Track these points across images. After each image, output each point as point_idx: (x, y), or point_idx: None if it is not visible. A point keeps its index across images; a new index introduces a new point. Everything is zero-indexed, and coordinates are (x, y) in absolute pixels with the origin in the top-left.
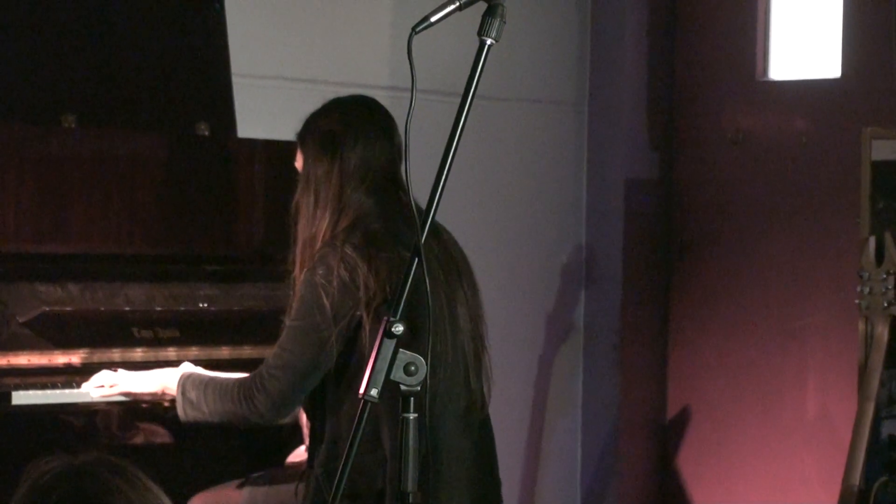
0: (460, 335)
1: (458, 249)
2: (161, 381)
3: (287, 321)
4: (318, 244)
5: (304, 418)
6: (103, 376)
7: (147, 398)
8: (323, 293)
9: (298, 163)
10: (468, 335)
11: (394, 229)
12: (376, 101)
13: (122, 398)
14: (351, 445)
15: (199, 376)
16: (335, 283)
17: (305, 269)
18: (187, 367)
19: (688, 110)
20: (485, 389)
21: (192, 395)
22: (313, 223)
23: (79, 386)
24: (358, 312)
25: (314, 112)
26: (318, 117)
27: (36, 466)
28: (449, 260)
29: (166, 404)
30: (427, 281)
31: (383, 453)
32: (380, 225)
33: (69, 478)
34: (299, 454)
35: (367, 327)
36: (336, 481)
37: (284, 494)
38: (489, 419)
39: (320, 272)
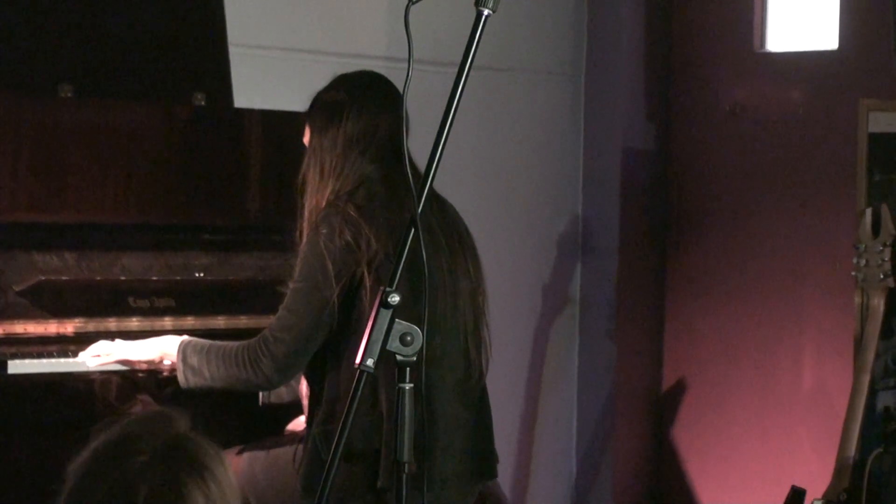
0: (460, 305)
1: (462, 223)
2: (160, 349)
3: (290, 283)
4: (325, 202)
5: (303, 388)
6: (100, 346)
7: (144, 366)
8: (326, 253)
9: (306, 138)
10: (468, 306)
11: (397, 195)
12: (382, 76)
13: (120, 367)
14: (347, 413)
15: (200, 342)
16: (337, 243)
17: (309, 231)
18: (185, 336)
19: (685, 82)
20: (483, 361)
21: (194, 360)
22: (318, 191)
23: (75, 355)
24: (359, 270)
25: (321, 89)
26: (323, 92)
27: (120, 428)
28: (452, 232)
29: (165, 373)
30: (423, 249)
31: (380, 414)
32: (383, 189)
33: (153, 455)
34: (299, 423)
35: (369, 286)
36: (334, 444)
37: (283, 457)
38: (486, 391)
39: (324, 232)
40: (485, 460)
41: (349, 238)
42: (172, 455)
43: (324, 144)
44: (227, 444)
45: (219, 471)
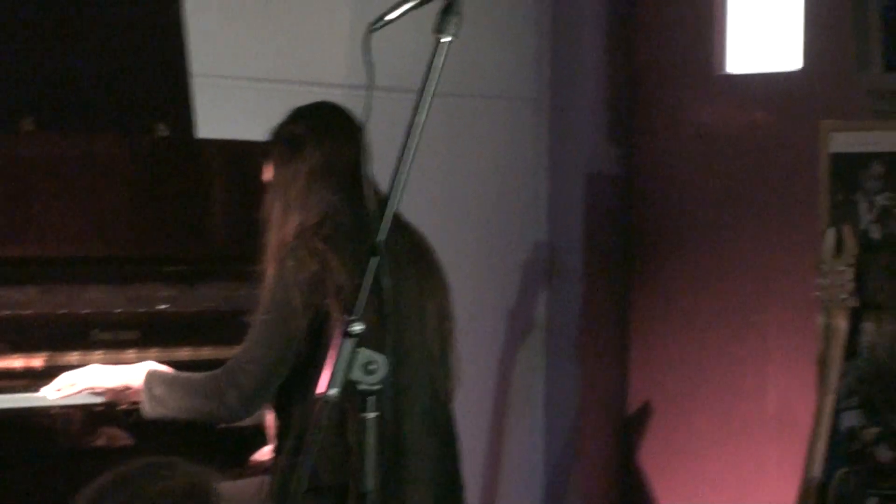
0: (428, 333)
1: (431, 250)
2: (123, 377)
3: (256, 315)
4: (291, 234)
5: (269, 419)
6: (63, 378)
7: (108, 396)
8: (292, 286)
9: (267, 174)
10: (436, 333)
11: (363, 223)
12: (339, 106)
13: (83, 399)
14: (311, 444)
15: (165, 372)
16: (304, 276)
17: (275, 263)
18: (151, 365)
19: (647, 105)
20: (450, 388)
21: (158, 391)
22: (284, 225)
23: (39, 390)
24: (326, 302)
25: (278, 123)
26: (282, 127)
27: (135, 477)
28: (420, 259)
29: (124, 406)
30: (387, 279)
31: (348, 446)
32: (348, 219)
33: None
34: (264, 454)
35: (336, 318)
36: (297, 476)
37: (248, 488)
38: (453, 418)
39: (290, 264)
40: (452, 490)
41: (316, 270)
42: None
43: (286, 179)
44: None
45: None
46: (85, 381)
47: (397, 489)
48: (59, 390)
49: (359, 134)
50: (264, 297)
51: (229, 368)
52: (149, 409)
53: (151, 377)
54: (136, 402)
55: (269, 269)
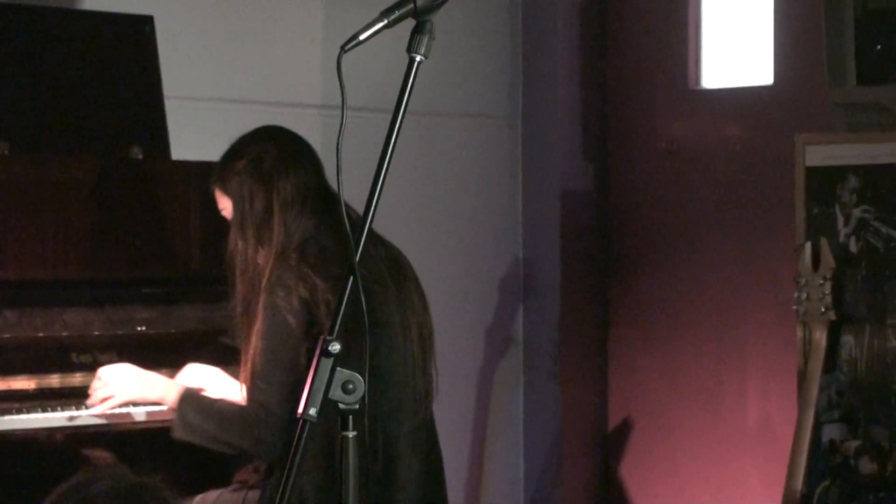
0: (412, 348)
1: (406, 262)
2: (159, 391)
3: (258, 355)
4: (272, 262)
5: None
6: (102, 382)
7: (146, 405)
8: (286, 315)
9: (226, 210)
10: (419, 351)
11: (342, 243)
12: (282, 127)
13: (122, 409)
14: (291, 464)
15: (199, 399)
16: (296, 303)
17: (264, 293)
18: (186, 377)
19: (621, 121)
20: (430, 404)
21: (191, 417)
22: (263, 256)
23: (18, 412)
24: (319, 325)
25: (226, 157)
26: (233, 160)
27: (84, 478)
28: (398, 273)
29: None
30: (363, 299)
31: (334, 469)
32: (330, 240)
33: (118, 496)
34: (248, 471)
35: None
36: (279, 497)
37: (228, 501)
38: (436, 435)
39: (280, 294)
40: None
41: (306, 296)
42: (132, 497)
43: (258, 212)
44: (178, 487)
45: None
46: (124, 394)
47: None
48: (103, 400)
49: (313, 151)
50: (262, 334)
51: (256, 415)
52: (180, 433)
53: (185, 401)
54: (165, 421)
55: (243, 317)
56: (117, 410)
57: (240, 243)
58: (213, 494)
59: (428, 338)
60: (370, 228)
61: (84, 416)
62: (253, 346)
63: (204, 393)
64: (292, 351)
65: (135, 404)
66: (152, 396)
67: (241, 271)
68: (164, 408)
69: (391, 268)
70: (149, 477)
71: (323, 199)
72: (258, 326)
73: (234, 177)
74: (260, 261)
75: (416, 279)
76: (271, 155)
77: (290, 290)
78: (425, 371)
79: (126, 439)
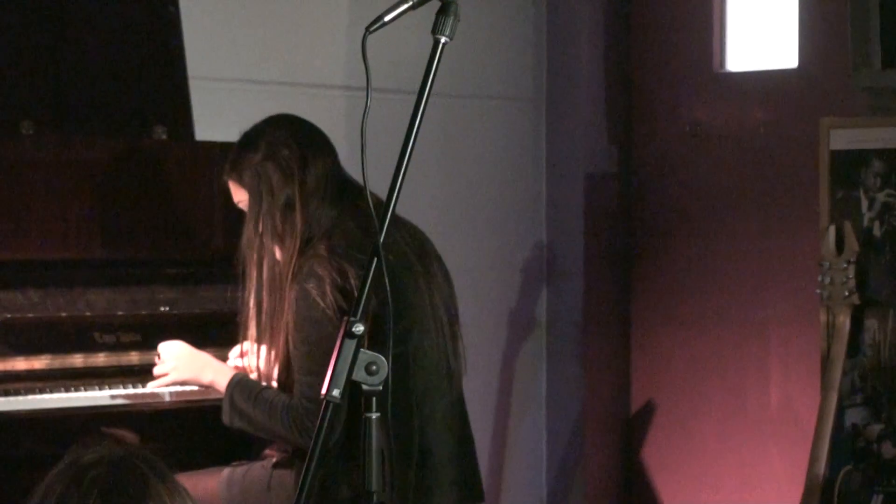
0: (441, 328)
1: (429, 244)
2: (212, 375)
3: (298, 348)
4: (298, 254)
5: None
6: (162, 358)
7: (196, 387)
8: (322, 305)
9: (242, 202)
10: (447, 327)
11: (370, 230)
12: (293, 114)
13: (177, 387)
14: (315, 445)
15: (248, 385)
16: (329, 292)
17: (294, 286)
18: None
19: (645, 104)
20: (460, 382)
21: (242, 405)
22: (287, 249)
23: (41, 392)
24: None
25: (240, 147)
26: (248, 151)
27: (76, 450)
28: (422, 251)
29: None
30: (389, 283)
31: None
32: (355, 226)
33: (107, 464)
34: (276, 446)
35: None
36: (301, 480)
37: (259, 481)
38: (467, 416)
39: (312, 284)
40: (474, 485)
41: (339, 284)
42: (123, 467)
43: (277, 205)
44: (201, 465)
45: (171, 483)
46: (177, 373)
47: (427, 492)
48: (160, 377)
49: (327, 138)
50: (299, 327)
51: (304, 408)
52: (229, 420)
53: (235, 387)
54: (191, 402)
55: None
56: (140, 390)
57: (256, 236)
58: (241, 469)
59: (455, 317)
60: (395, 215)
61: (120, 395)
62: (285, 341)
63: (253, 377)
64: (330, 339)
65: (184, 384)
66: (204, 380)
67: (256, 264)
68: (189, 388)
69: (415, 249)
70: (140, 448)
71: (340, 186)
72: (289, 320)
73: (250, 168)
74: (279, 254)
75: (438, 257)
76: (288, 145)
77: (323, 279)
78: (456, 351)
79: (152, 418)
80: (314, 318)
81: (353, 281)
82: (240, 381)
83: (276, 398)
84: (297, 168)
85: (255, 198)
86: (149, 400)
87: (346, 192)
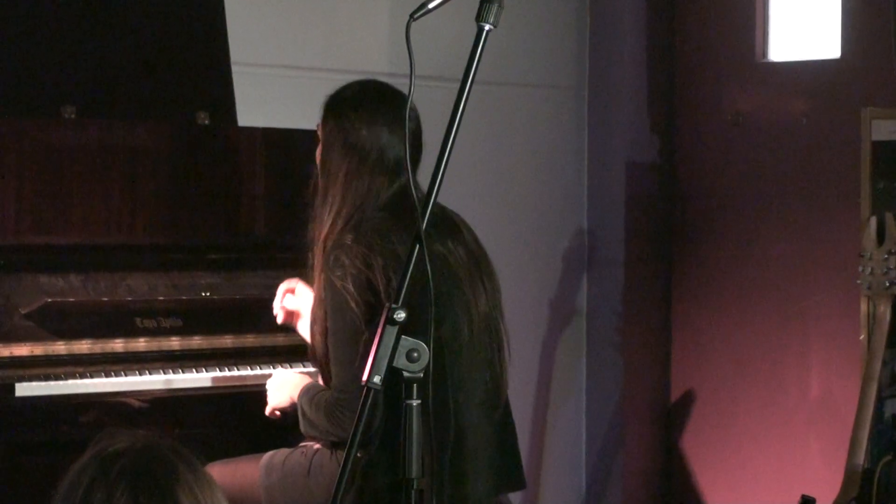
0: (481, 324)
1: (479, 245)
2: (289, 393)
3: (329, 337)
4: (329, 233)
5: None
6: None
7: (279, 413)
8: (347, 295)
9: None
10: (489, 325)
11: (404, 218)
12: (387, 86)
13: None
14: (355, 431)
15: (312, 389)
16: (353, 281)
17: (323, 272)
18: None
19: (688, 93)
20: (503, 377)
21: (308, 412)
22: (323, 218)
23: (83, 377)
24: (379, 302)
25: (333, 102)
26: (335, 111)
27: (102, 438)
28: (468, 253)
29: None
30: (429, 265)
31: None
32: (390, 215)
33: (134, 453)
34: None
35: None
36: (342, 467)
37: (299, 468)
38: (509, 404)
39: (338, 275)
40: (512, 474)
41: (364, 275)
42: (151, 456)
43: (335, 163)
44: (241, 452)
45: (198, 472)
46: (272, 402)
47: (460, 477)
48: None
49: (402, 120)
50: (328, 316)
51: (336, 400)
52: (304, 429)
53: (303, 395)
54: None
55: (318, 277)
56: (181, 376)
57: (320, 188)
58: (281, 454)
59: (500, 325)
60: (437, 205)
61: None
62: (320, 329)
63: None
64: (355, 328)
65: (283, 410)
66: (286, 403)
67: (315, 220)
68: (231, 373)
69: (460, 253)
70: (166, 436)
71: (393, 168)
72: (327, 315)
73: (326, 122)
74: (316, 221)
75: (489, 268)
76: (361, 111)
77: (346, 269)
78: (500, 354)
79: (191, 405)
80: (342, 308)
81: (378, 271)
82: (307, 388)
83: (320, 398)
84: (361, 137)
85: (322, 147)
86: (188, 385)
87: (397, 174)
